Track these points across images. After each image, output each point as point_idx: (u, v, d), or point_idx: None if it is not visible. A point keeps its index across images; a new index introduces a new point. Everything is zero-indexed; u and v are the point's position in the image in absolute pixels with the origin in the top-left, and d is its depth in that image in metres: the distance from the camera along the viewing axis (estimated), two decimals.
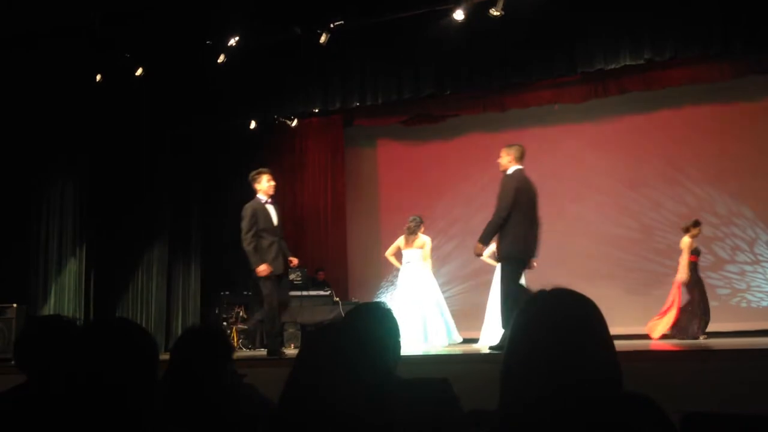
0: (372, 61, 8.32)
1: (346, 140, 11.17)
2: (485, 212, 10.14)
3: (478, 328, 8.74)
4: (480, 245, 6.44)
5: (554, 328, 1.36)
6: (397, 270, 8.49)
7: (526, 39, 7.60)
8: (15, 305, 7.56)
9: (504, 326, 6.38)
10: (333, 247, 10.92)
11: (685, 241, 7.83)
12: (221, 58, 8.17)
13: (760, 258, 8.99)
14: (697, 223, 7.92)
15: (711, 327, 8.47)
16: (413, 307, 8.02)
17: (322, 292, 9.95)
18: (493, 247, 7.60)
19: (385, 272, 10.79)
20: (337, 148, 11.17)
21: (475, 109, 10.02)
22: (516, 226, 6.34)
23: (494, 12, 7.12)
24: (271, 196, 7.09)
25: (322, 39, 7.87)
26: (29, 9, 7.45)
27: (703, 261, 9.23)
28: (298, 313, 9.63)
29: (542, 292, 1.44)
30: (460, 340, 8.23)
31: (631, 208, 9.58)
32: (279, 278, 7.07)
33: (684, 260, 7.81)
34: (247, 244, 6.86)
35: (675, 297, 7.85)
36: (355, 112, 9.89)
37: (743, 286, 9.00)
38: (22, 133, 8.34)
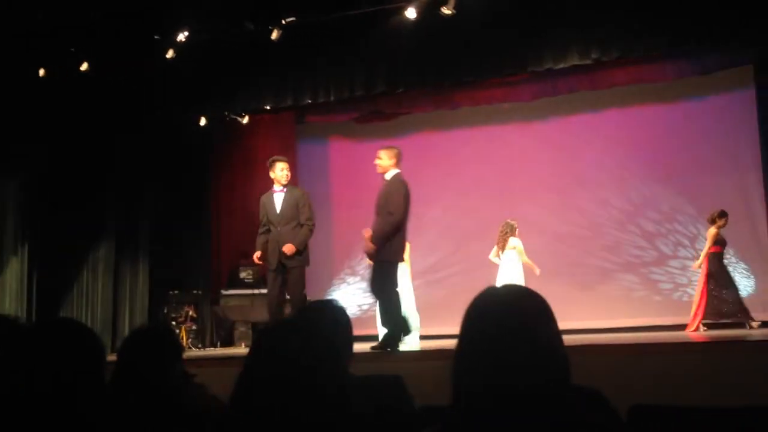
0: (324, 58, 8.29)
1: (298, 137, 11.11)
2: (437, 209, 10.29)
3: (432, 323, 8.82)
4: (372, 245, 6.43)
5: (504, 324, 1.38)
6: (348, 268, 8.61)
7: (477, 38, 7.68)
8: None
9: (384, 325, 6.53)
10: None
11: (711, 231, 8.08)
12: (170, 54, 8.04)
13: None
14: (723, 214, 8.14)
15: (654, 320, 8.72)
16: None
17: None
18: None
19: (337, 269, 10.79)
20: (289, 144, 11.09)
21: (426, 106, 10.08)
22: (403, 231, 6.64)
23: (446, 11, 7.17)
24: (285, 185, 7.01)
25: (274, 35, 7.81)
26: None
27: (647, 257, 9.48)
28: (250, 311, 9.55)
29: (492, 288, 1.45)
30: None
31: (580, 206, 9.76)
32: (279, 272, 6.89)
33: (705, 249, 8.13)
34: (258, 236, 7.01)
35: (701, 286, 8.10)
36: (306, 109, 9.84)
37: (684, 280, 9.26)
38: None
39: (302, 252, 6.95)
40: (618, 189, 9.66)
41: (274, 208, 6.98)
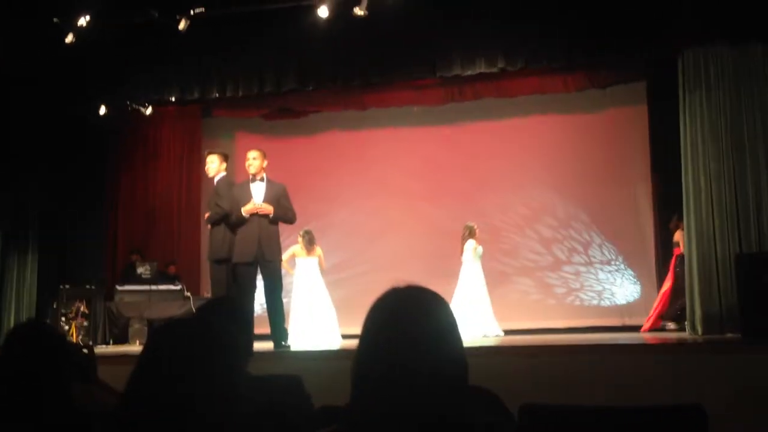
0: (233, 52, 8.15)
1: (204, 131, 10.88)
2: (344, 209, 10.31)
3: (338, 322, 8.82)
4: None
5: (405, 325, 1.40)
6: None
7: (388, 41, 7.76)
8: None
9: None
10: (185, 241, 10.60)
11: (678, 234, 8.21)
12: (70, 38, 7.70)
13: (593, 260, 9.68)
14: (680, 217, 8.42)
15: (546, 323, 9.04)
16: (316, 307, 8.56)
17: (172, 287, 9.62)
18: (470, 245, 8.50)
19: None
20: (194, 139, 10.85)
21: (336, 106, 10.08)
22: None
23: (358, 12, 7.19)
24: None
25: (181, 25, 7.61)
26: None
27: (543, 261, 9.82)
28: (146, 307, 9.27)
29: (394, 289, 1.47)
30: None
31: (482, 210, 9.99)
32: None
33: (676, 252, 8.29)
34: None
35: (666, 287, 8.27)
36: (214, 103, 9.64)
37: (577, 285, 9.65)
38: None
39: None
40: (518, 195, 9.96)
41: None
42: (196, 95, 8.38)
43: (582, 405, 1.98)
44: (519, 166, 9.95)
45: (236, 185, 6.78)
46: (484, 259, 9.86)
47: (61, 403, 2.27)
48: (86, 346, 4.35)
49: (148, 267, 9.75)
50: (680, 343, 6.23)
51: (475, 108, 9.88)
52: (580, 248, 9.74)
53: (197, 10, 7.59)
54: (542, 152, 9.87)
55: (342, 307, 9.36)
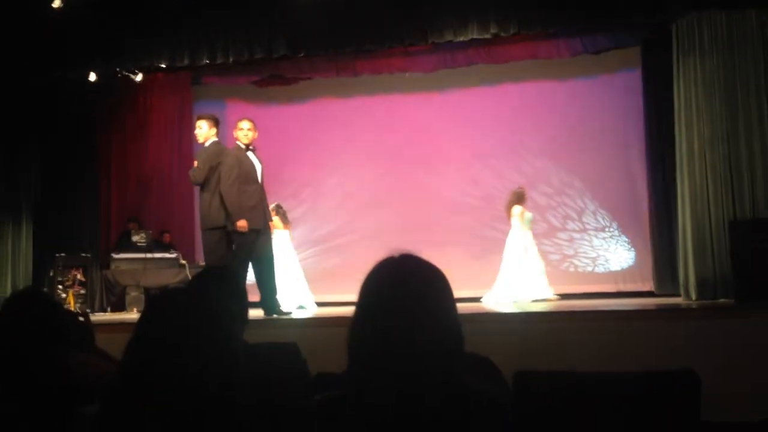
0: (224, 18, 8.05)
1: (195, 98, 10.77)
2: (335, 176, 10.29)
3: (327, 291, 8.85)
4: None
5: (400, 294, 1.40)
6: None
7: (380, 7, 7.70)
8: None
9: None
10: (179, 209, 10.56)
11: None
12: (57, 3, 7.58)
13: (587, 226, 9.70)
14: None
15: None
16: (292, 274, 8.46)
17: (167, 255, 9.63)
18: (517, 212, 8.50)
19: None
20: (185, 105, 10.75)
21: (327, 72, 9.98)
22: None
23: None
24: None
25: None
26: None
27: (537, 228, 9.85)
28: (142, 275, 9.29)
29: (389, 259, 1.47)
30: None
31: (475, 177, 9.99)
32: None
33: None
34: None
35: None
36: (204, 69, 9.54)
37: (571, 252, 9.69)
38: None
39: None
40: (511, 162, 9.94)
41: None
42: (186, 61, 8.29)
43: (576, 371, 1.99)
44: (512, 133, 9.91)
45: (233, 152, 6.65)
46: (477, 224, 9.89)
47: (59, 373, 2.28)
48: (82, 313, 4.36)
49: (143, 235, 9.75)
50: (674, 309, 6.28)
51: (467, 74, 9.80)
52: (574, 215, 9.76)
53: None
54: (535, 118, 9.83)
55: (335, 275, 9.40)
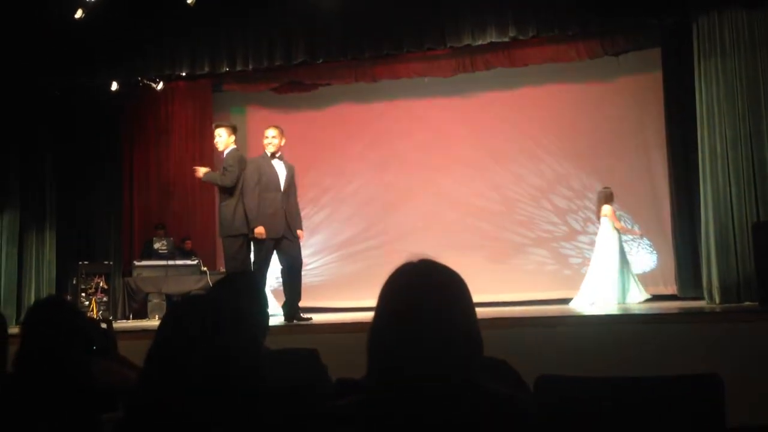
0: (243, 26, 8.11)
1: (215, 106, 10.86)
2: (355, 182, 10.30)
3: (347, 296, 8.87)
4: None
5: (420, 299, 1.40)
6: None
7: (398, 11, 7.70)
8: None
9: (295, 297, 6.62)
10: (200, 216, 10.65)
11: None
12: (79, 13, 7.68)
13: None
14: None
15: (562, 294, 9.03)
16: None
17: (189, 262, 9.70)
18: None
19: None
20: (206, 113, 10.84)
21: (346, 78, 10.02)
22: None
23: None
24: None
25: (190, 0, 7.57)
26: None
27: (558, 232, 9.80)
28: (164, 282, 9.36)
29: (408, 264, 1.47)
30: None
31: (495, 181, 9.96)
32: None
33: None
34: None
35: None
36: (224, 77, 9.62)
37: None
38: None
39: None
40: (532, 165, 9.90)
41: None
42: (206, 69, 8.35)
43: (598, 376, 1.98)
44: (532, 137, 9.88)
45: (256, 160, 6.72)
46: (497, 228, 9.86)
47: (82, 380, 2.30)
48: (105, 320, 4.40)
49: (165, 242, 9.84)
50: (697, 312, 6.21)
51: (486, 78, 9.79)
52: (595, 218, 9.68)
53: None
54: (555, 122, 9.79)
55: (355, 280, 9.42)
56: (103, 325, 3.11)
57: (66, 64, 8.48)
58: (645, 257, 9.42)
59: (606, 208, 8.27)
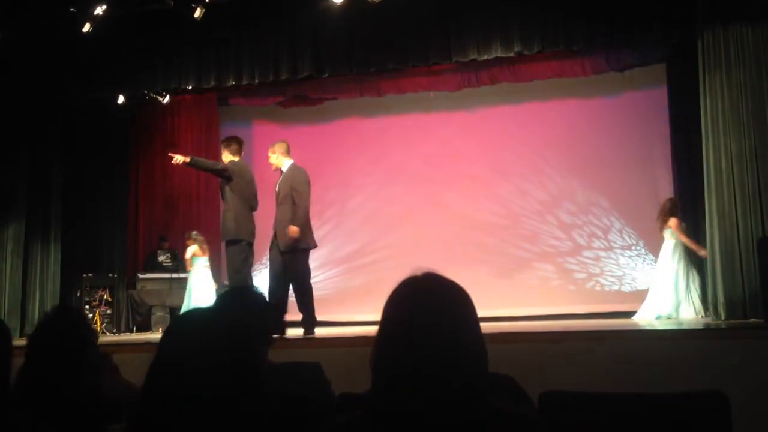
0: (249, 40, 8.16)
1: (221, 119, 10.90)
2: (360, 196, 10.30)
3: (352, 310, 8.84)
4: (296, 228, 6.62)
5: (423, 313, 1.40)
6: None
7: (403, 26, 7.74)
8: None
9: (306, 309, 6.71)
10: (205, 229, 10.65)
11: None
12: (86, 27, 7.74)
13: (614, 245, 9.61)
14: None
15: (566, 309, 9.00)
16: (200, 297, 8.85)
17: None
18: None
19: (259, 255, 10.66)
20: (212, 127, 10.88)
21: (352, 93, 10.05)
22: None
23: None
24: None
25: (197, 13, 7.62)
26: None
27: (562, 247, 9.78)
28: (167, 295, 9.36)
29: (412, 278, 1.47)
30: None
31: (500, 195, 9.95)
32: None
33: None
34: None
35: None
36: (230, 90, 9.67)
37: (597, 270, 9.59)
38: None
39: None
40: (536, 180, 9.89)
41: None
42: (212, 83, 8.40)
43: (602, 392, 1.97)
44: (537, 151, 9.88)
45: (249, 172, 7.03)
46: (502, 243, 9.83)
47: (91, 391, 2.30)
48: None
49: (168, 255, 9.85)
50: (702, 329, 6.17)
51: (491, 93, 9.81)
52: (600, 233, 9.67)
53: None
54: (560, 137, 9.79)
55: (360, 294, 9.40)
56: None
57: (74, 78, 8.54)
58: (650, 272, 9.38)
59: (672, 221, 8.02)
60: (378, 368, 1.41)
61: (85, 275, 9.39)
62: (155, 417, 1.41)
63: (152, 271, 9.69)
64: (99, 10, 7.61)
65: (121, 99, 9.16)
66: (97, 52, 8.23)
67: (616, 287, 9.51)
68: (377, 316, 1.46)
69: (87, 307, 9.10)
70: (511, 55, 7.80)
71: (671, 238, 8.01)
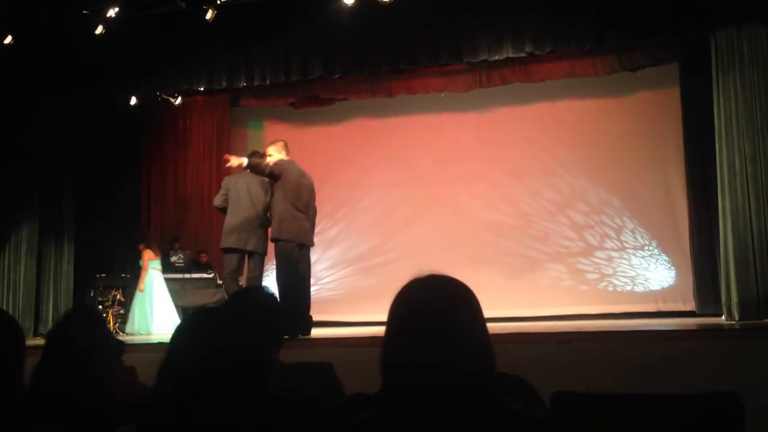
0: (260, 41, 8.18)
1: (233, 120, 10.94)
2: (371, 196, 10.31)
3: (363, 311, 8.84)
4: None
5: (428, 313, 1.39)
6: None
7: (414, 26, 7.73)
8: None
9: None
10: (217, 229, 10.65)
11: None
12: (99, 30, 7.78)
13: (626, 245, 9.56)
14: None
15: (579, 309, 8.97)
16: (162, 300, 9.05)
17: (205, 275, 9.74)
18: None
19: (270, 255, 10.69)
20: (223, 128, 10.92)
21: (363, 93, 10.06)
22: None
23: None
24: None
25: (209, 15, 7.65)
26: None
27: (574, 247, 9.74)
28: (180, 296, 9.39)
29: (418, 278, 1.47)
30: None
31: (511, 196, 9.93)
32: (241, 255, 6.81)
33: None
34: None
35: None
36: (241, 91, 9.70)
37: (610, 271, 9.54)
38: None
39: None
40: (548, 180, 9.86)
41: (246, 192, 6.89)
42: (223, 84, 8.43)
43: (615, 393, 1.96)
44: (548, 152, 9.84)
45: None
46: (513, 243, 9.81)
47: (104, 392, 2.31)
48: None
49: (181, 256, 9.89)
50: (716, 329, 6.14)
51: (502, 93, 9.79)
52: (613, 234, 9.62)
53: (224, 0, 7.63)
54: (572, 137, 9.76)
55: (371, 294, 9.40)
56: None
57: (86, 80, 8.59)
58: (663, 273, 9.34)
59: None
60: (386, 369, 1.42)
61: (98, 275, 9.45)
62: (164, 418, 1.41)
63: (165, 271, 9.73)
64: (111, 13, 7.66)
65: (133, 100, 9.21)
66: (110, 54, 8.28)
67: (628, 288, 9.46)
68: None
69: (100, 307, 9.15)
70: (523, 55, 7.76)
71: None
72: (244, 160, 6.59)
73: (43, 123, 8.90)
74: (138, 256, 9.29)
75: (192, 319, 1.57)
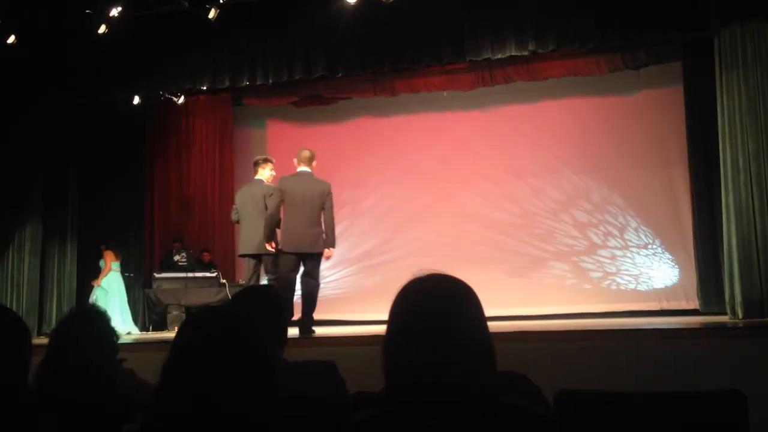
0: (263, 40, 8.18)
1: (236, 119, 10.95)
2: (374, 195, 10.31)
3: (367, 309, 8.85)
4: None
5: (429, 312, 1.40)
6: None
7: (417, 25, 7.73)
8: None
9: (311, 310, 6.77)
10: (220, 228, 10.71)
11: None
12: (102, 29, 7.80)
13: (629, 243, 9.55)
14: None
15: (582, 308, 8.96)
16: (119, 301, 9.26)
17: (208, 274, 9.75)
18: None
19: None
20: (226, 127, 10.94)
21: (366, 92, 10.06)
22: None
23: None
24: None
25: (211, 14, 7.65)
26: None
27: (578, 246, 9.74)
28: (183, 294, 9.41)
29: (419, 277, 1.47)
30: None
31: (514, 194, 9.93)
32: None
33: None
34: None
35: None
36: (244, 91, 9.70)
37: (613, 269, 9.54)
38: None
39: None
40: (551, 179, 9.85)
41: (250, 198, 7.39)
42: (226, 83, 8.43)
43: (619, 391, 1.96)
44: (551, 150, 9.84)
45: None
46: (517, 242, 9.81)
47: (108, 390, 2.32)
48: None
49: (184, 254, 9.91)
50: (720, 327, 6.13)
51: (505, 92, 9.79)
52: (616, 232, 9.61)
53: None
54: (575, 135, 9.75)
55: (374, 293, 9.40)
56: None
57: (89, 79, 8.60)
58: (666, 271, 9.33)
59: None
60: (388, 367, 1.42)
61: None
62: (169, 416, 1.42)
63: (168, 270, 9.75)
64: (114, 12, 7.66)
65: (136, 100, 9.22)
66: (112, 54, 8.29)
67: (632, 286, 9.46)
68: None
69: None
70: (526, 53, 7.75)
71: None
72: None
73: (46, 123, 8.92)
74: (100, 256, 9.42)
75: (197, 318, 1.57)
